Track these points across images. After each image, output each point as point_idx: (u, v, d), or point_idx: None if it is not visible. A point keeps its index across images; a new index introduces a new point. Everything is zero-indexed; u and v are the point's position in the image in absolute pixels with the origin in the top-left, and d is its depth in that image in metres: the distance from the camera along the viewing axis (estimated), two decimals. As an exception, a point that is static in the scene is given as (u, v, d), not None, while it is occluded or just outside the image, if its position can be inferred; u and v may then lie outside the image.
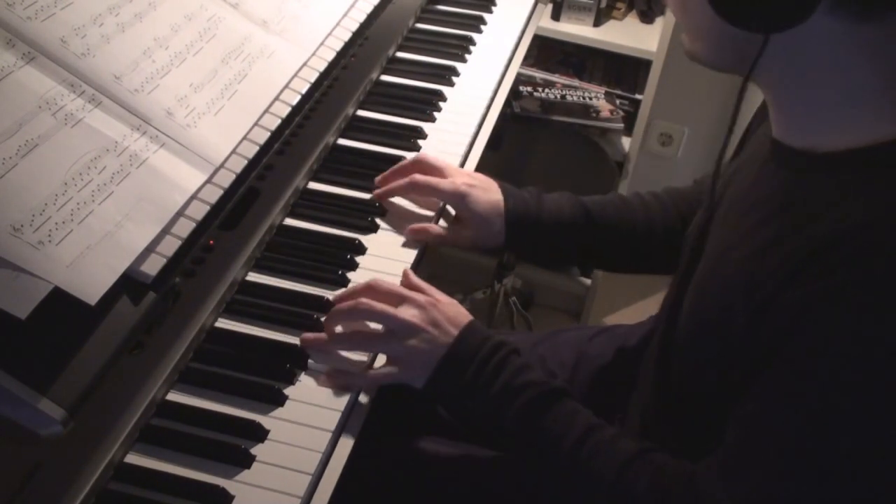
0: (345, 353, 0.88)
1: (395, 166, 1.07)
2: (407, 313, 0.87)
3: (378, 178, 1.07)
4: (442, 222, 1.08)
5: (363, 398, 0.86)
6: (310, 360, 0.87)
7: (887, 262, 0.64)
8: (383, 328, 0.87)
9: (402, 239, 1.03)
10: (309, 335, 0.88)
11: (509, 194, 1.05)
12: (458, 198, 1.03)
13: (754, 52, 0.70)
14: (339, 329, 0.89)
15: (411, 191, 1.04)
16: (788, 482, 0.69)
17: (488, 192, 1.04)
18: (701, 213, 0.91)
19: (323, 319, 0.90)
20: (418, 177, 1.03)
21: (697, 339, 0.82)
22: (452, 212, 1.08)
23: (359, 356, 0.88)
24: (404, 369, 0.86)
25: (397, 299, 0.89)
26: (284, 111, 1.08)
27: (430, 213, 1.06)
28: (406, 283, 0.94)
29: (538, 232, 1.05)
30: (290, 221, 1.03)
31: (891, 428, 0.66)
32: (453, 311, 0.89)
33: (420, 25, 1.42)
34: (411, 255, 1.01)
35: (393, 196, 1.06)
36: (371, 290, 0.90)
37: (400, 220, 1.05)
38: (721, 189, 0.87)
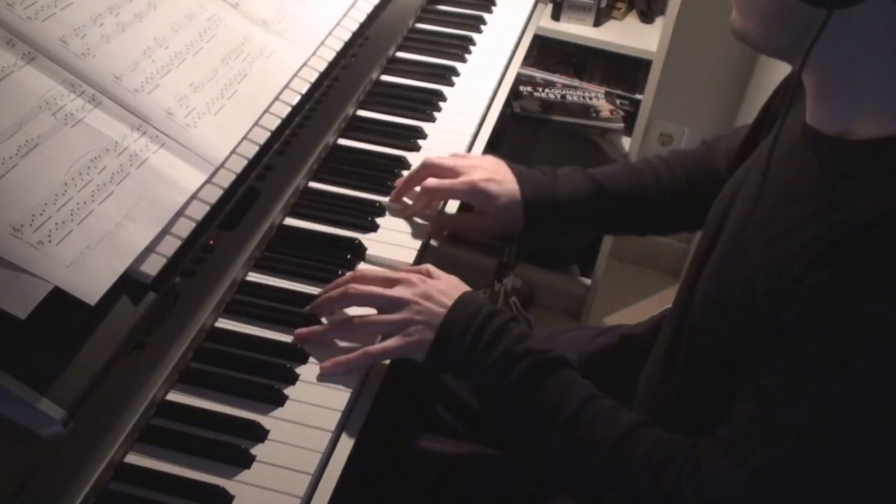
0: (341, 343, 0.88)
1: (405, 178, 1.06)
2: (398, 291, 0.87)
3: (392, 196, 1.06)
4: (452, 209, 1.09)
5: (362, 400, 0.86)
6: (310, 358, 0.87)
7: None
8: (377, 311, 0.87)
9: (402, 239, 1.03)
10: (302, 329, 0.88)
11: (525, 181, 1.06)
12: (478, 196, 1.04)
13: (809, 34, 0.70)
14: (331, 319, 0.90)
15: (429, 198, 1.04)
16: (797, 459, 0.69)
17: (503, 182, 1.05)
18: (722, 193, 0.90)
19: (306, 310, 0.90)
20: (432, 182, 1.03)
21: (714, 320, 0.82)
22: (454, 207, 1.09)
23: (355, 343, 0.88)
24: (402, 344, 0.86)
25: (387, 282, 0.89)
26: (284, 111, 1.08)
27: (432, 211, 1.06)
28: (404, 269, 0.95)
29: (556, 214, 1.07)
30: (290, 221, 1.03)
31: None
32: (446, 284, 0.89)
33: (420, 25, 1.42)
34: (411, 254, 1.01)
35: (415, 214, 1.05)
36: (358, 277, 0.90)
37: (400, 221, 1.05)
38: (744, 172, 0.87)
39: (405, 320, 0.86)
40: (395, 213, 1.05)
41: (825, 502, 0.70)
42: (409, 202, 1.06)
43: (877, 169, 0.69)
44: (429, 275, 0.91)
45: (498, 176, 1.05)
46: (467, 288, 0.90)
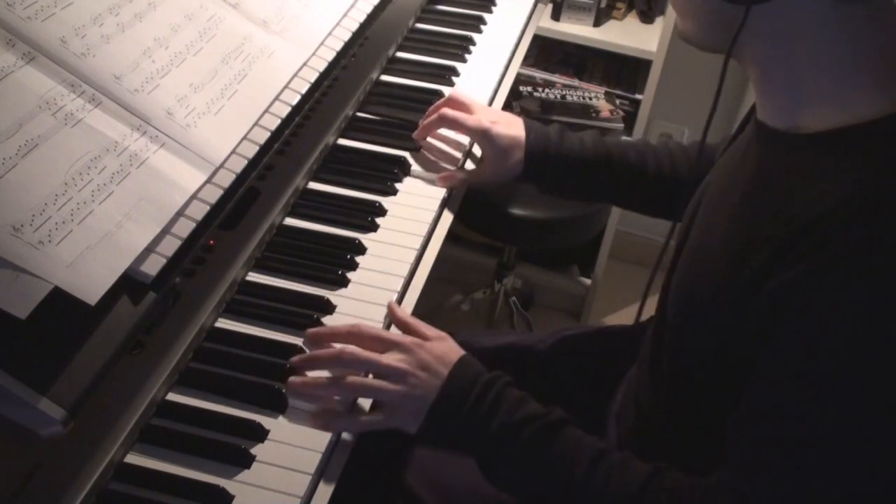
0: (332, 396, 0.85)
1: (432, 106, 1.15)
2: (393, 359, 0.84)
3: (420, 129, 1.15)
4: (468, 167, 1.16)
5: (363, 399, 0.86)
6: (299, 401, 0.83)
7: (869, 233, 0.64)
8: (371, 375, 0.85)
9: (402, 238, 1.03)
10: (296, 379, 0.84)
11: (531, 129, 1.11)
12: (481, 132, 1.09)
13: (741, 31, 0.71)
14: (324, 374, 0.86)
15: (441, 125, 1.12)
16: (804, 472, 0.69)
17: (511, 126, 1.11)
18: (693, 199, 0.91)
19: (294, 361, 0.85)
20: (447, 110, 1.11)
21: (686, 328, 0.82)
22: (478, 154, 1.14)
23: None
24: (395, 416, 0.84)
25: (381, 344, 0.86)
26: (284, 111, 1.08)
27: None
28: (393, 318, 0.92)
29: (555, 166, 1.10)
30: (290, 221, 1.03)
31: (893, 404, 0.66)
32: (442, 349, 0.86)
33: (420, 25, 1.42)
34: (411, 254, 1.01)
35: (428, 133, 1.14)
36: (354, 335, 0.87)
37: (400, 220, 1.05)
38: (712, 172, 0.88)
39: (400, 394, 0.83)
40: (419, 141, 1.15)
41: (851, 495, 0.70)
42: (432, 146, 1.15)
43: (825, 161, 0.69)
44: (423, 337, 0.88)
45: (507, 121, 1.12)
46: (462, 352, 0.87)
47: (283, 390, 0.83)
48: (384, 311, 0.93)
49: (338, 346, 0.86)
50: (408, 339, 0.86)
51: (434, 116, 1.12)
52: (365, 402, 0.86)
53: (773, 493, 0.70)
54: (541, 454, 0.81)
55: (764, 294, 0.70)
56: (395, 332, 0.90)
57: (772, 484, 0.70)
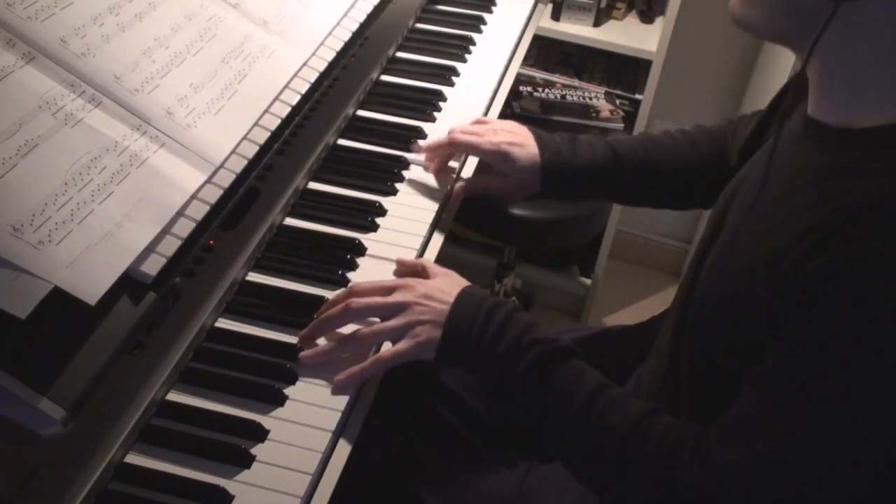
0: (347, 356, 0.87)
1: (433, 141, 1.12)
2: (398, 296, 0.87)
3: (417, 148, 1.13)
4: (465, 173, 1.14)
5: (362, 399, 0.86)
6: (313, 372, 0.86)
7: None
8: (380, 320, 0.87)
9: (402, 239, 1.03)
10: (307, 352, 0.86)
11: (545, 147, 1.09)
12: (501, 157, 1.07)
13: (813, 24, 0.71)
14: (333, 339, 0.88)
15: (452, 150, 1.09)
16: (802, 444, 0.70)
17: (525, 147, 1.08)
18: (726, 189, 0.91)
19: (304, 333, 0.88)
20: (458, 134, 1.08)
21: (717, 312, 0.82)
22: (470, 170, 1.13)
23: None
24: (412, 345, 0.85)
25: (384, 290, 0.89)
26: (284, 111, 1.08)
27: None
28: (399, 268, 0.96)
29: (572, 179, 1.09)
30: (290, 221, 1.03)
31: None
32: (444, 282, 0.89)
33: (420, 25, 1.42)
34: (411, 254, 1.00)
35: (435, 151, 1.11)
36: (353, 292, 0.89)
37: (400, 221, 1.05)
38: (748, 167, 0.88)
39: (410, 323, 0.85)
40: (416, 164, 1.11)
41: (833, 484, 0.70)
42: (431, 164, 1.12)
43: (878, 156, 0.70)
44: (425, 273, 0.91)
45: (519, 139, 1.09)
46: (466, 282, 0.90)
47: (283, 390, 0.83)
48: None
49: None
50: (409, 280, 0.89)
51: (444, 140, 1.09)
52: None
53: (758, 462, 0.71)
54: (544, 379, 0.83)
55: (804, 275, 0.70)
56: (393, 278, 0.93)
57: (760, 453, 0.71)
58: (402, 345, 0.86)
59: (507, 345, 0.84)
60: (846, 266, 0.67)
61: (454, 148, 1.09)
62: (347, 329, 0.88)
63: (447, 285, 0.89)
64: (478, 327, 0.85)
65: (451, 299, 0.86)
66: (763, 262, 0.74)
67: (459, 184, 1.11)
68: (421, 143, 1.14)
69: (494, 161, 1.08)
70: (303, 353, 0.86)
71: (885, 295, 0.66)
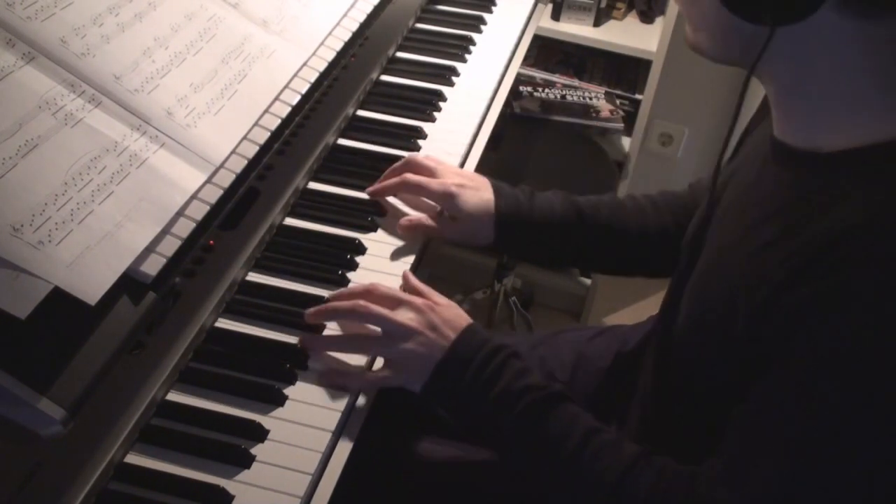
0: (342, 356, 0.88)
1: (389, 169, 1.07)
2: (404, 316, 0.86)
3: (370, 189, 1.06)
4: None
5: (362, 399, 0.86)
6: (309, 360, 0.87)
7: (886, 261, 0.64)
8: (381, 331, 0.87)
9: (401, 239, 1.03)
10: (307, 336, 0.88)
11: (500, 194, 1.04)
12: (448, 197, 1.02)
13: (759, 45, 0.70)
14: (334, 331, 0.89)
15: (402, 190, 1.05)
16: (792, 482, 0.69)
17: (479, 191, 1.04)
18: (699, 213, 0.91)
19: (311, 311, 0.89)
20: (409, 176, 1.03)
21: (697, 340, 0.82)
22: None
23: (356, 359, 0.88)
24: (401, 373, 0.86)
25: (394, 303, 0.88)
26: (284, 111, 1.08)
27: (421, 216, 1.06)
28: (406, 285, 0.94)
29: (528, 231, 1.04)
30: (290, 221, 1.03)
31: (894, 424, 0.66)
32: (451, 314, 0.88)
33: (420, 25, 1.42)
34: (411, 254, 1.01)
35: (384, 194, 1.06)
36: (369, 293, 0.89)
37: (400, 221, 1.05)
38: (720, 190, 0.87)
39: (407, 352, 0.85)
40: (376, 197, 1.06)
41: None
42: (390, 199, 1.07)
43: (845, 181, 0.69)
44: (433, 301, 0.90)
45: (473, 185, 1.04)
46: (470, 320, 0.89)
47: (283, 390, 0.83)
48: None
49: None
50: (419, 301, 0.88)
51: (395, 181, 1.04)
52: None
53: (763, 489, 0.70)
54: (535, 425, 0.82)
55: (781, 308, 0.69)
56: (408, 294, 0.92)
57: (753, 495, 0.70)
58: (392, 373, 0.86)
59: (501, 389, 0.83)
60: (823, 298, 0.66)
61: (406, 189, 1.04)
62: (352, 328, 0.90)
63: (453, 318, 0.88)
64: (474, 369, 0.84)
65: (454, 335, 0.86)
66: (742, 291, 0.74)
67: (403, 220, 1.04)
68: (369, 189, 1.06)
69: (442, 202, 1.03)
70: (304, 336, 0.88)
71: (856, 330, 0.65)
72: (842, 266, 0.65)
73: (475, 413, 0.85)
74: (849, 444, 0.67)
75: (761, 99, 0.85)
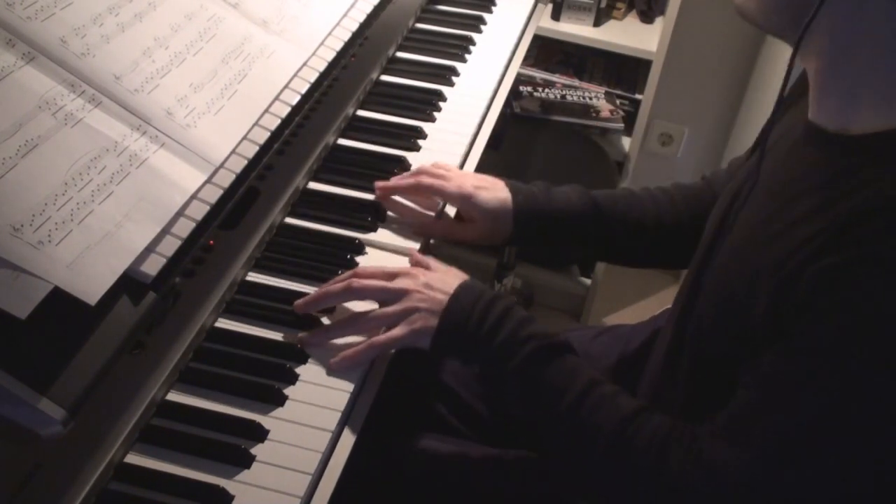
0: (346, 340, 0.88)
1: (398, 176, 1.06)
2: (400, 282, 0.88)
3: (380, 183, 1.06)
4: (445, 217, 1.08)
5: (362, 399, 0.86)
6: (310, 358, 0.87)
7: None
8: (379, 304, 0.88)
9: (402, 239, 1.03)
10: (306, 335, 0.88)
11: (517, 190, 1.05)
12: (465, 198, 1.03)
13: (806, 17, 0.71)
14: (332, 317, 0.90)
15: (415, 192, 1.04)
16: (799, 443, 0.70)
17: (494, 190, 1.04)
18: (728, 191, 0.90)
19: (300, 302, 0.89)
20: (424, 178, 1.03)
21: (720, 318, 0.82)
22: (452, 212, 1.08)
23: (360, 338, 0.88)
24: (407, 332, 0.86)
25: (387, 275, 0.90)
26: (284, 111, 1.08)
27: (431, 214, 1.06)
28: (411, 259, 0.96)
29: (546, 225, 1.05)
30: (290, 221, 1.03)
31: None
32: (447, 273, 0.90)
33: (420, 25, 1.42)
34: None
35: (395, 193, 1.05)
36: (357, 274, 0.90)
37: (400, 221, 1.05)
38: (744, 173, 0.88)
39: (408, 309, 0.86)
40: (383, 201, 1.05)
41: (828, 483, 0.70)
42: (399, 200, 1.06)
43: (878, 161, 0.70)
44: (429, 267, 0.92)
45: (487, 184, 1.05)
46: (467, 277, 0.91)
47: (283, 390, 0.83)
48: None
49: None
50: (412, 268, 0.90)
51: (409, 181, 1.03)
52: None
53: (754, 461, 0.71)
54: (537, 373, 0.83)
55: (806, 278, 0.70)
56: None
57: (755, 452, 0.71)
58: (398, 330, 0.86)
59: (504, 338, 0.84)
60: (846, 269, 0.67)
61: (420, 191, 1.04)
62: (346, 313, 0.90)
63: (449, 276, 0.90)
64: (475, 318, 0.85)
65: (451, 290, 0.87)
66: (766, 269, 0.74)
67: (417, 226, 1.04)
68: (379, 183, 1.05)
69: (459, 204, 1.04)
70: (302, 335, 0.88)
71: (879, 301, 0.66)
72: (871, 237, 0.66)
73: (481, 362, 0.86)
74: (862, 413, 0.67)
75: (777, 94, 0.85)
